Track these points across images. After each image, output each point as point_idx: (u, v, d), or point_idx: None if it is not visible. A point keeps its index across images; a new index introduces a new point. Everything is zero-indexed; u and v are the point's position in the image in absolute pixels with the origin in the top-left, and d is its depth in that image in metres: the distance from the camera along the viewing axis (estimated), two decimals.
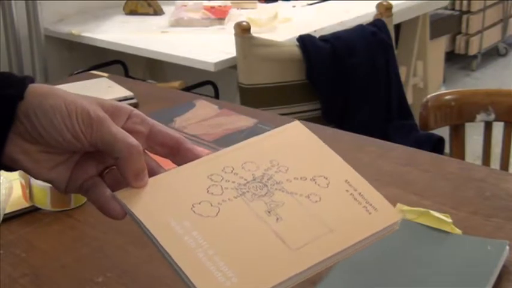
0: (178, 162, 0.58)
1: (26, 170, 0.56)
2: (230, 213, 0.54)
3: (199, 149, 0.59)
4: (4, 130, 0.53)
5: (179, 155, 0.58)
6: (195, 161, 0.58)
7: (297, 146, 0.61)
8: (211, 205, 0.54)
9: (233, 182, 0.56)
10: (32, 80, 0.55)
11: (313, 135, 0.62)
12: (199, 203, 0.54)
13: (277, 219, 0.54)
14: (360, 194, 0.57)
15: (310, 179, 0.57)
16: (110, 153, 0.54)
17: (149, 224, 0.52)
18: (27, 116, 0.53)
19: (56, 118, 0.53)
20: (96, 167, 0.57)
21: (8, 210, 0.90)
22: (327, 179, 0.58)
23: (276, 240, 0.52)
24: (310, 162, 0.59)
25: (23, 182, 0.92)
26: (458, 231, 0.80)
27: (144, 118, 0.58)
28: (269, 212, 0.54)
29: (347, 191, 0.57)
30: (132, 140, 0.54)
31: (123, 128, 0.56)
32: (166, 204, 0.54)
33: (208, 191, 0.55)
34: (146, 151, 0.58)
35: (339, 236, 0.53)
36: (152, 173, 0.56)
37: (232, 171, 0.57)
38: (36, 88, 0.54)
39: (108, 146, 0.54)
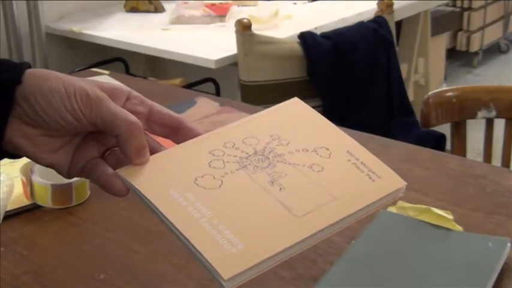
0: (179, 142, 0.58)
1: (28, 155, 0.55)
2: (233, 185, 0.54)
3: (200, 129, 0.60)
4: (4, 114, 0.53)
5: (180, 134, 0.58)
6: (195, 138, 0.58)
7: (297, 120, 0.61)
8: (214, 178, 0.54)
9: (235, 156, 0.56)
10: (29, 66, 0.55)
11: (313, 110, 0.62)
12: (202, 176, 0.54)
13: (281, 188, 0.54)
14: (362, 163, 0.57)
15: (312, 151, 0.58)
16: (110, 131, 0.54)
17: (152, 198, 0.52)
18: (26, 99, 0.53)
19: (54, 99, 0.53)
20: (97, 149, 0.57)
21: (9, 208, 0.90)
22: (328, 150, 0.58)
23: (280, 207, 0.53)
24: (311, 135, 0.59)
25: (24, 179, 0.92)
26: (459, 228, 0.80)
27: (143, 99, 0.58)
28: (272, 182, 0.55)
29: (349, 160, 0.57)
30: (131, 117, 0.54)
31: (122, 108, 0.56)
32: (168, 178, 0.54)
33: (210, 165, 0.55)
34: (146, 132, 0.58)
35: (343, 202, 0.54)
36: (154, 152, 0.57)
37: (233, 146, 0.57)
38: (34, 72, 0.54)
39: (108, 124, 0.54)
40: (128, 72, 2.51)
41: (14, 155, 0.56)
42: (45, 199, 0.91)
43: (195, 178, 0.54)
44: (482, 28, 4.26)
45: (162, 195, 0.53)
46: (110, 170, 0.55)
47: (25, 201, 0.92)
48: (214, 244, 0.49)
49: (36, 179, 0.90)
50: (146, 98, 0.59)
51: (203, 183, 0.54)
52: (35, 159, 0.56)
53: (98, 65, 2.23)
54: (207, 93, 1.49)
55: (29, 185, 0.91)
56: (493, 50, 4.48)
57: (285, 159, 0.57)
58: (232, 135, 0.58)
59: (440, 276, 0.71)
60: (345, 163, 0.57)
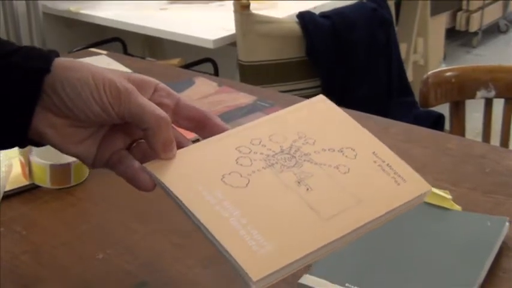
0: (205, 137, 0.58)
1: (53, 144, 0.55)
2: (260, 184, 0.54)
3: (226, 125, 0.59)
4: (31, 103, 0.53)
5: (206, 129, 0.58)
6: (222, 134, 0.58)
7: (322, 118, 0.61)
8: (241, 176, 0.54)
9: (261, 154, 0.56)
10: (57, 54, 0.55)
11: (338, 109, 0.62)
12: (229, 174, 0.54)
13: (307, 189, 0.54)
14: (388, 165, 0.57)
15: (338, 151, 0.57)
16: (138, 124, 0.54)
17: (180, 194, 0.52)
18: (54, 89, 0.53)
19: (83, 91, 0.53)
20: (123, 141, 0.57)
21: (8, 188, 0.90)
22: (354, 150, 0.58)
23: (307, 209, 0.52)
24: (336, 135, 0.59)
25: (23, 159, 0.92)
26: (458, 207, 0.80)
27: (170, 92, 0.58)
28: (299, 182, 0.54)
29: (375, 162, 0.57)
30: (160, 111, 0.54)
31: (149, 100, 0.55)
32: (196, 174, 0.54)
33: (237, 162, 0.55)
34: (173, 125, 0.58)
35: (368, 206, 0.53)
36: (180, 146, 0.56)
37: (260, 143, 0.57)
38: (63, 62, 0.54)
39: (136, 117, 0.54)
40: (125, 52, 2.50)
41: (39, 143, 0.56)
42: (43, 179, 0.91)
43: (222, 175, 0.53)
44: (481, 8, 4.24)
45: (190, 192, 0.52)
46: (137, 164, 0.55)
47: (24, 182, 0.92)
48: (243, 245, 0.49)
49: (35, 159, 0.90)
50: (173, 91, 0.58)
51: (230, 181, 0.53)
52: (60, 149, 0.56)
53: (95, 45, 2.22)
54: (205, 73, 1.49)
55: (28, 165, 0.91)
56: (493, 30, 4.47)
57: (311, 158, 0.56)
58: (259, 131, 0.58)
59: (439, 256, 0.71)
60: (370, 165, 0.57)
